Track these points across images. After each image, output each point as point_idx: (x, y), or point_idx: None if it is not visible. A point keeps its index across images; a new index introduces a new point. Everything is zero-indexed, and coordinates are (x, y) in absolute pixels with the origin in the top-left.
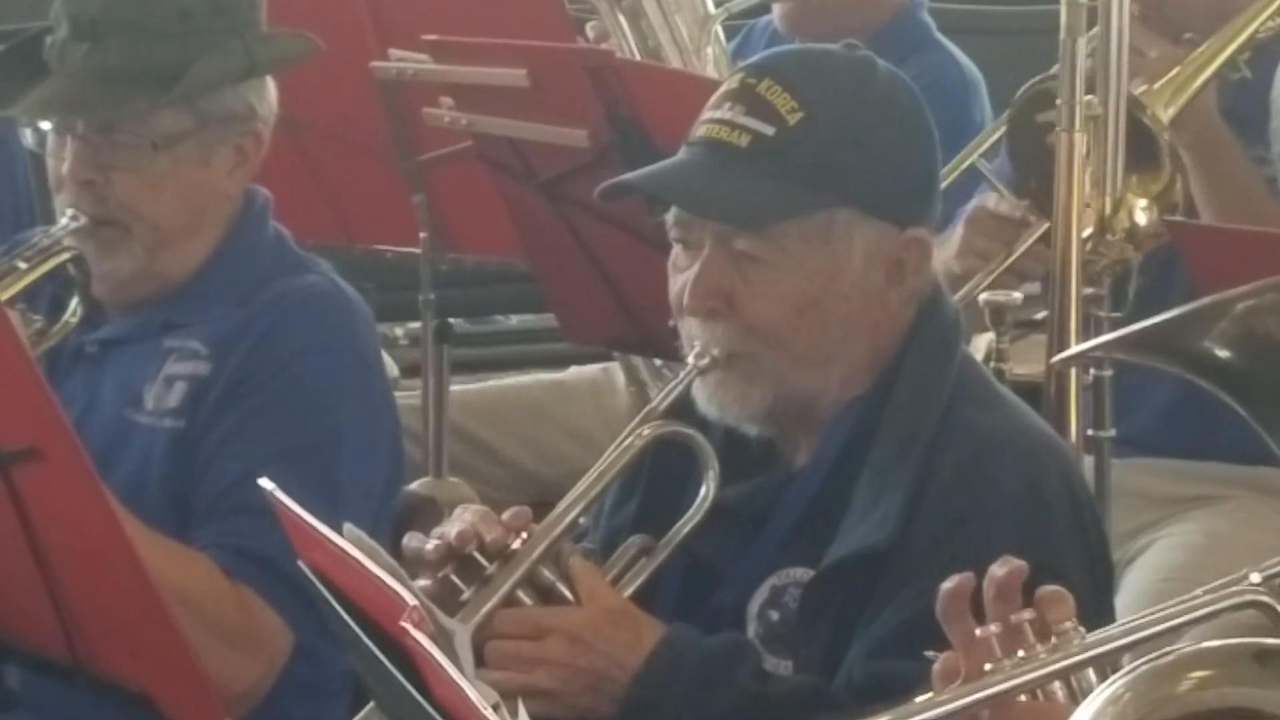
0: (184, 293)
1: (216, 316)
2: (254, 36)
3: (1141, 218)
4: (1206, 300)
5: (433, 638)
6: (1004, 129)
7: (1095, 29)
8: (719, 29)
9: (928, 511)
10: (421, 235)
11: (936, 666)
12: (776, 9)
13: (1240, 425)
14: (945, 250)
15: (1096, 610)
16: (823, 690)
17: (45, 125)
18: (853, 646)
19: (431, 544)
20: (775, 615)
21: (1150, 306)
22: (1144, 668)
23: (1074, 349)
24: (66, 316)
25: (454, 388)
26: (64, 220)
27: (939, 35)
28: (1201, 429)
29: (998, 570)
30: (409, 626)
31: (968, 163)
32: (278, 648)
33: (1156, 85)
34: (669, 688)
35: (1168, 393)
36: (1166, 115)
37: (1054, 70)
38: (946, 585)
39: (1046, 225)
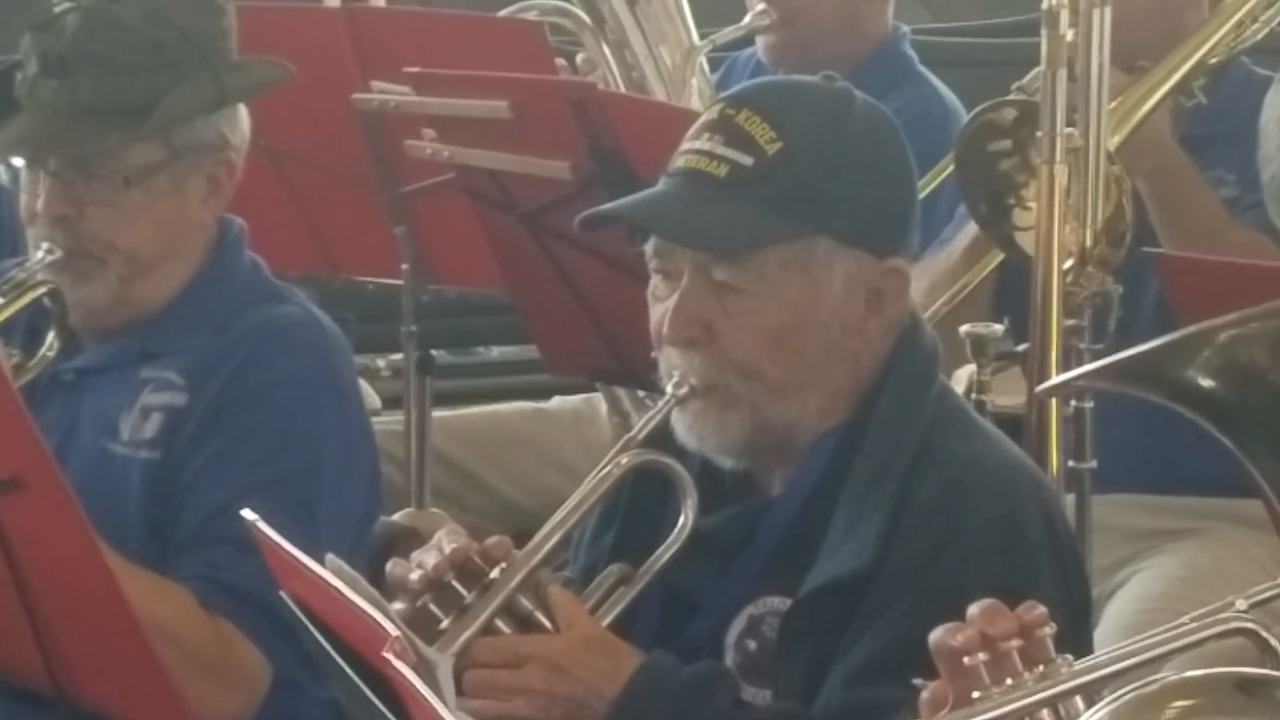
0: (160, 321)
1: (193, 346)
2: (224, 65)
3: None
4: (1190, 329)
5: (415, 668)
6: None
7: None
8: (703, 60)
9: (905, 539)
10: (403, 266)
11: (925, 695)
12: (760, 41)
13: (1216, 458)
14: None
15: (1075, 640)
16: (801, 717)
17: (17, 161)
18: (831, 674)
19: (415, 574)
20: (753, 645)
21: (1120, 336)
22: (1127, 697)
23: (1057, 379)
24: (44, 350)
25: (437, 414)
26: (39, 254)
27: (921, 68)
28: (1176, 463)
29: (990, 628)
30: (391, 657)
31: (925, 191)
32: (257, 680)
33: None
34: (646, 716)
35: (1139, 427)
36: (1111, 145)
37: (995, 100)
38: (950, 640)
39: (1002, 256)
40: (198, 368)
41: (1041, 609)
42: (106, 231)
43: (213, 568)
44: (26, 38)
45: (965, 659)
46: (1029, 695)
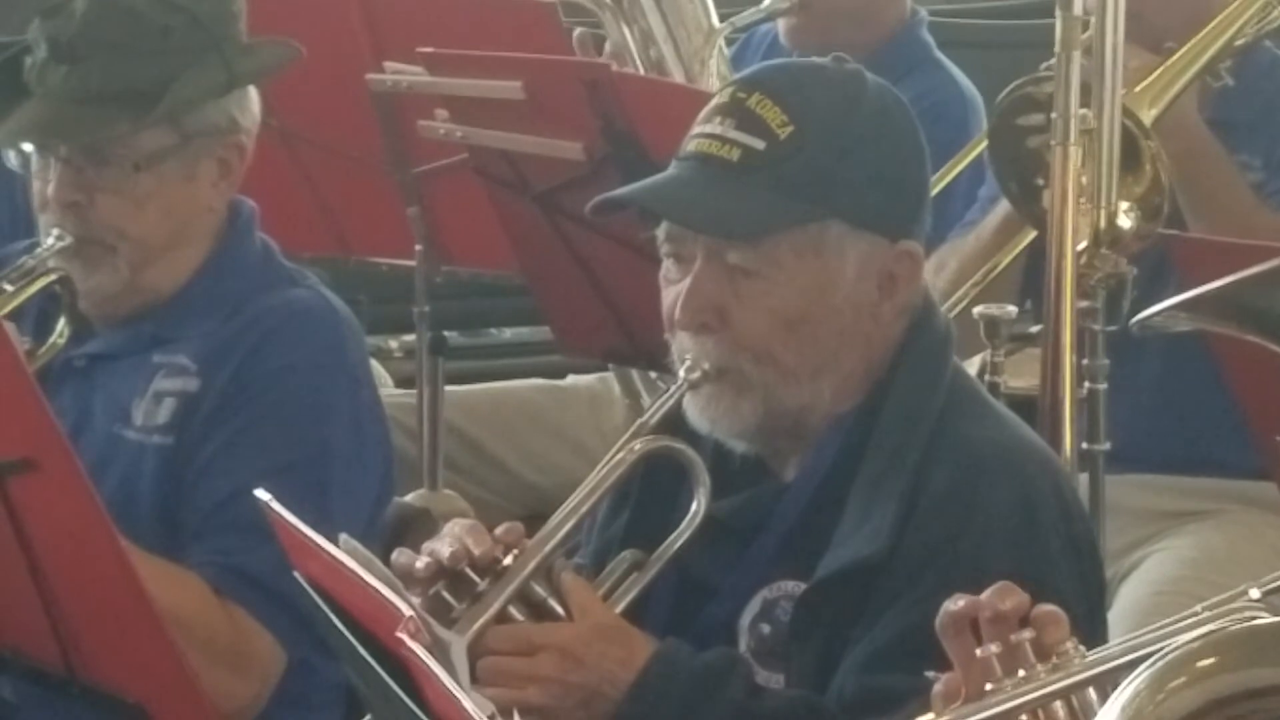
0: (171, 307)
1: (205, 331)
2: (233, 48)
3: (1125, 221)
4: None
5: (429, 648)
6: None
7: (1088, 34)
8: (722, 42)
9: (920, 525)
10: (416, 247)
11: (937, 687)
12: (780, 23)
13: (1231, 440)
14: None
15: (1089, 625)
16: (815, 704)
17: (28, 147)
18: (845, 660)
19: (422, 561)
20: (767, 628)
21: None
22: (1163, 660)
23: (1147, 311)
24: (54, 338)
25: (451, 388)
26: (49, 241)
27: (939, 54)
28: (1191, 444)
29: (1000, 603)
30: (405, 637)
31: (950, 176)
32: (271, 666)
33: (1138, 89)
34: (661, 703)
35: (1154, 408)
36: (1149, 117)
37: (1034, 75)
38: (950, 606)
39: (1033, 235)
40: (210, 353)
41: (1057, 612)
42: (117, 218)
43: (226, 554)
44: (35, 23)
45: (978, 651)
46: (1042, 687)
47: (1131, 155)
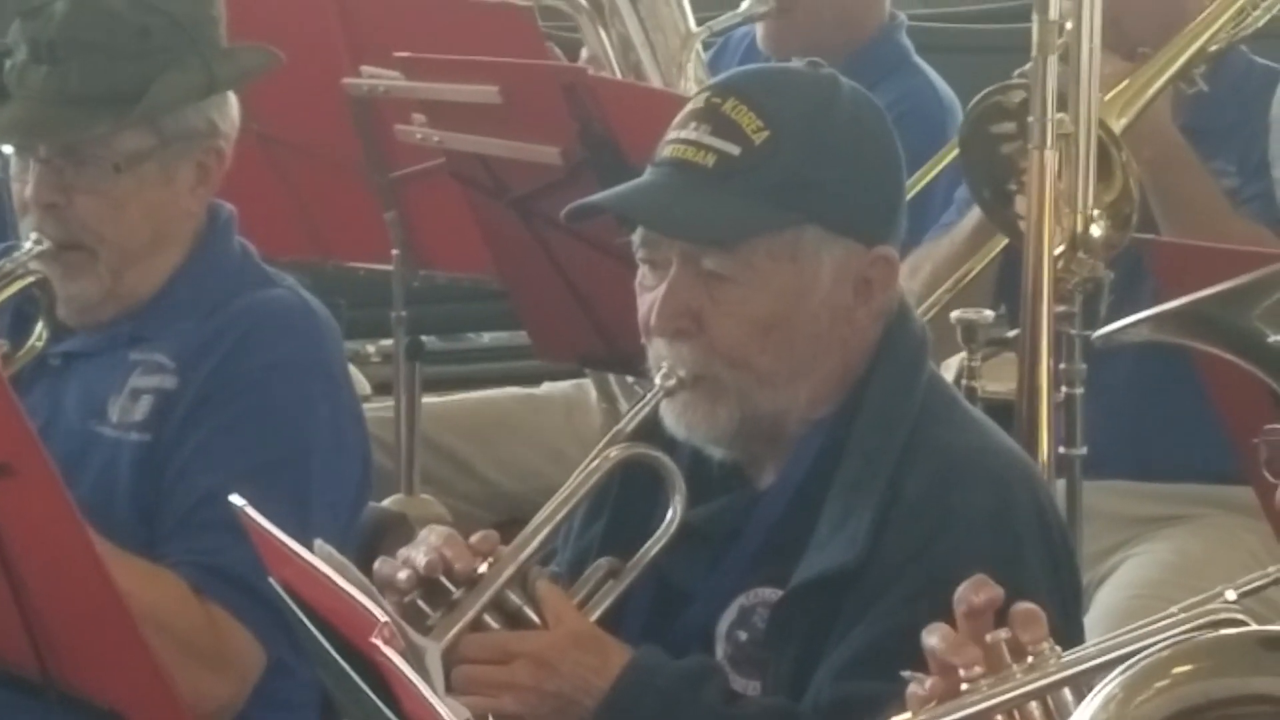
0: (150, 308)
1: (183, 330)
2: (213, 52)
3: (1095, 229)
4: (1257, 274)
5: (403, 654)
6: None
7: (1063, 39)
8: (699, 47)
9: (896, 531)
10: (394, 252)
11: (913, 687)
12: (758, 27)
13: (1208, 445)
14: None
15: (1065, 630)
16: (791, 711)
17: (7, 149)
18: (821, 666)
19: (404, 572)
20: (744, 635)
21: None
22: (1135, 668)
23: (1110, 326)
24: (32, 341)
25: (427, 400)
26: (28, 244)
27: (916, 58)
28: (1168, 449)
29: (974, 596)
30: (379, 642)
31: (924, 181)
32: (249, 666)
33: (1107, 98)
34: (636, 711)
35: (1131, 413)
36: (1118, 126)
37: (1002, 83)
38: (934, 631)
39: (1005, 242)
40: (188, 351)
41: (1035, 610)
42: (95, 220)
43: (204, 553)
44: (15, 25)
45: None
46: (1018, 688)
47: (1102, 163)
